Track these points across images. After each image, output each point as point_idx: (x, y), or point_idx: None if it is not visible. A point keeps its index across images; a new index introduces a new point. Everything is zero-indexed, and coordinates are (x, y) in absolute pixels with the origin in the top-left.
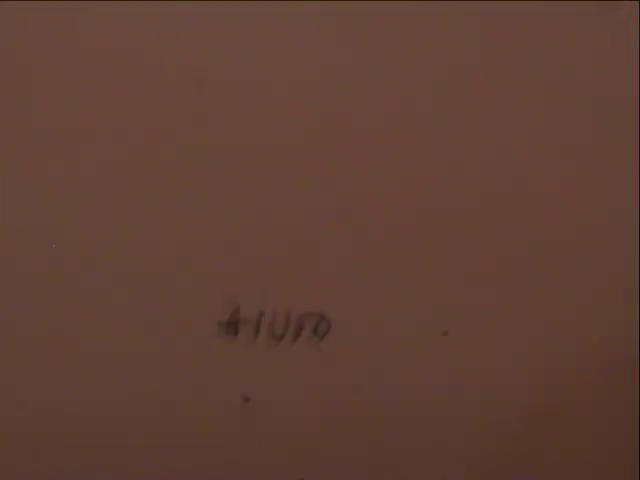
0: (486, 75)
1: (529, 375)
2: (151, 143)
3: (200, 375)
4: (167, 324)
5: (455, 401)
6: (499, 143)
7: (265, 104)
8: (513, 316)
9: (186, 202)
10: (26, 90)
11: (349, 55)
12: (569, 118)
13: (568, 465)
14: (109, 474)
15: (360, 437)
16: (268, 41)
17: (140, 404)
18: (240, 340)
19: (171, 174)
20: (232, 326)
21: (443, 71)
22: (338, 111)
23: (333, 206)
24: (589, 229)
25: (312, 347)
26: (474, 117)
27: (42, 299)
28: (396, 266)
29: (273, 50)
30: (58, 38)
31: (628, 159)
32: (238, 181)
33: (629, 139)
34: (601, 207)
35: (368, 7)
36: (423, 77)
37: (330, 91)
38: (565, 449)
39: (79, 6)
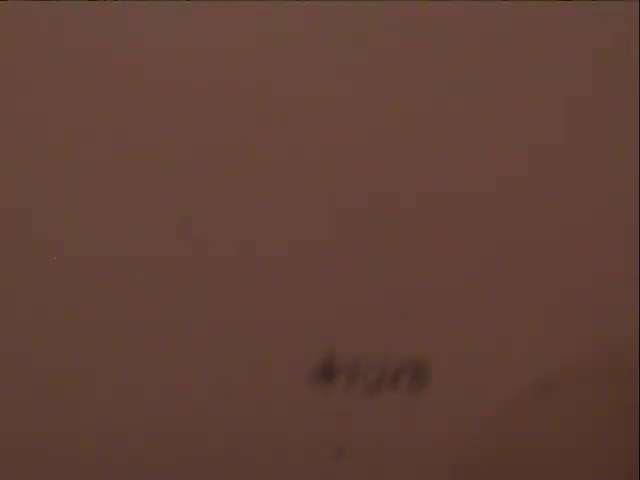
0: (486, 75)
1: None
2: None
3: (293, 425)
4: (260, 371)
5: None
6: (499, 144)
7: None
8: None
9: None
10: (24, 90)
11: (354, 58)
12: (569, 118)
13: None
14: None
15: None
16: (269, 42)
17: (227, 454)
18: (336, 388)
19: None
20: (327, 373)
21: (443, 71)
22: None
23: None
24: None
25: (411, 396)
26: (476, 118)
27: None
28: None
29: (274, 51)
30: (58, 38)
31: (628, 159)
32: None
33: (629, 139)
34: (601, 207)
35: (372, 9)
36: (422, 77)
37: (342, 93)
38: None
39: (79, 6)
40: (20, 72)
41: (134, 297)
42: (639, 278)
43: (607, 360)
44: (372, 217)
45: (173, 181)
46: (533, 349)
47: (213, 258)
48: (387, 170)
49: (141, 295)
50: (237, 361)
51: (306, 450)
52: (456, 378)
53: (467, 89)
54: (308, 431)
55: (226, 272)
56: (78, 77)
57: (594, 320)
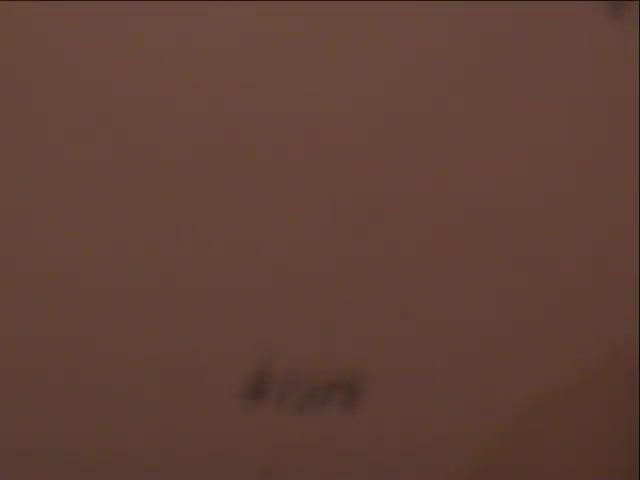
0: (486, 75)
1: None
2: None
3: (219, 442)
4: (184, 384)
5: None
6: (499, 144)
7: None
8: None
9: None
10: (23, 90)
11: (353, 57)
12: (569, 119)
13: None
14: None
15: None
16: (268, 41)
17: (150, 468)
18: (265, 406)
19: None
20: (257, 390)
21: (442, 71)
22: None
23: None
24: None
25: (343, 414)
26: (476, 118)
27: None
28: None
29: (274, 51)
30: (57, 38)
31: (629, 159)
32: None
33: (630, 139)
34: (601, 207)
35: (371, 7)
36: (422, 77)
37: (340, 92)
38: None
39: (79, 6)
40: (20, 72)
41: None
42: (639, 278)
43: (607, 360)
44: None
45: (172, 180)
46: (533, 353)
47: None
48: (384, 169)
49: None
50: (164, 374)
51: (233, 468)
52: (394, 393)
53: (467, 88)
54: (235, 449)
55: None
56: (77, 77)
57: (594, 320)
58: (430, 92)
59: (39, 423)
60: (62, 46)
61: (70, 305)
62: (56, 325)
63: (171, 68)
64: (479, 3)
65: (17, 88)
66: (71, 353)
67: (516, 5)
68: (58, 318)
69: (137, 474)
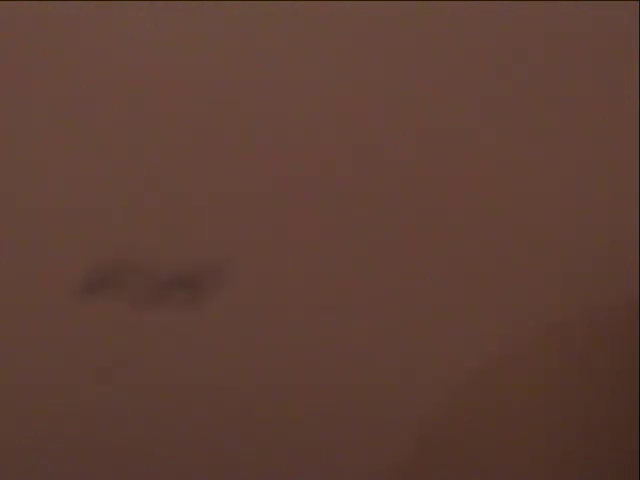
0: (485, 75)
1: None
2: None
3: (54, 342)
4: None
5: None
6: (499, 143)
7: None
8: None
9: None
10: (23, 90)
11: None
12: (569, 119)
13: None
14: None
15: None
16: (268, 41)
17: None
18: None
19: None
20: (94, 286)
21: (442, 70)
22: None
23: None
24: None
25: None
26: (476, 117)
27: None
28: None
29: (273, 50)
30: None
31: (629, 160)
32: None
33: (630, 140)
34: (601, 209)
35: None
36: (422, 76)
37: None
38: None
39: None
40: (19, 72)
41: None
42: (639, 278)
43: (607, 360)
44: None
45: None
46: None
47: None
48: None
49: None
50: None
51: (68, 367)
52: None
53: (467, 87)
54: (73, 350)
55: None
56: (77, 76)
57: (595, 319)
58: (429, 90)
59: None
60: (60, 45)
61: None
62: None
63: (170, 68)
64: (479, 3)
65: (16, 88)
66: None
67: (516, 5)
68: None
69: None
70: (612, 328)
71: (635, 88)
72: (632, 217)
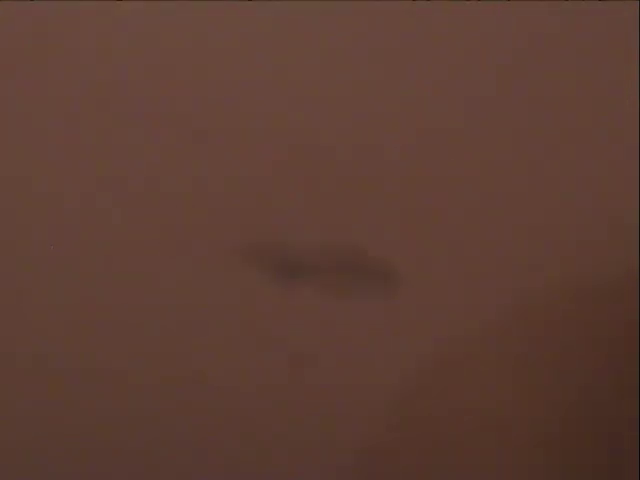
0: (484, 75)
1: None
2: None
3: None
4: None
5: None
6: (498, 142)
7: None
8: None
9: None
10: (24, 90)
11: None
12: (568, 118)
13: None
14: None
15: None
16: (268, 41)
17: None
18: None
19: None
20: (290, 269)
21: (442, 69)
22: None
23: None
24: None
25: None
26: (475, 117)
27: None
28: None
29: (272, 50)
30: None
31: (628, 159)
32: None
33: (630, 140)
34: (600, 209)
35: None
36: (422, 76)
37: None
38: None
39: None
40: (19, 72)
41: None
42: (639, 277)
43: (607, 360)
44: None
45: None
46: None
47: None
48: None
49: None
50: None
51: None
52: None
53: (466, 88)
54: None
55: None
56: (77, 76)
57: (594, 320)
58: (428, 90)
59: None
60: (60, 45)
61: None
62: None
63: (169, 69)
64: (478, 3)
65: (16, 88)
66: None
67: (517, 5)
68: None
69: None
70: (612, 327)
71: (635, 88)
72: (632, 217)
